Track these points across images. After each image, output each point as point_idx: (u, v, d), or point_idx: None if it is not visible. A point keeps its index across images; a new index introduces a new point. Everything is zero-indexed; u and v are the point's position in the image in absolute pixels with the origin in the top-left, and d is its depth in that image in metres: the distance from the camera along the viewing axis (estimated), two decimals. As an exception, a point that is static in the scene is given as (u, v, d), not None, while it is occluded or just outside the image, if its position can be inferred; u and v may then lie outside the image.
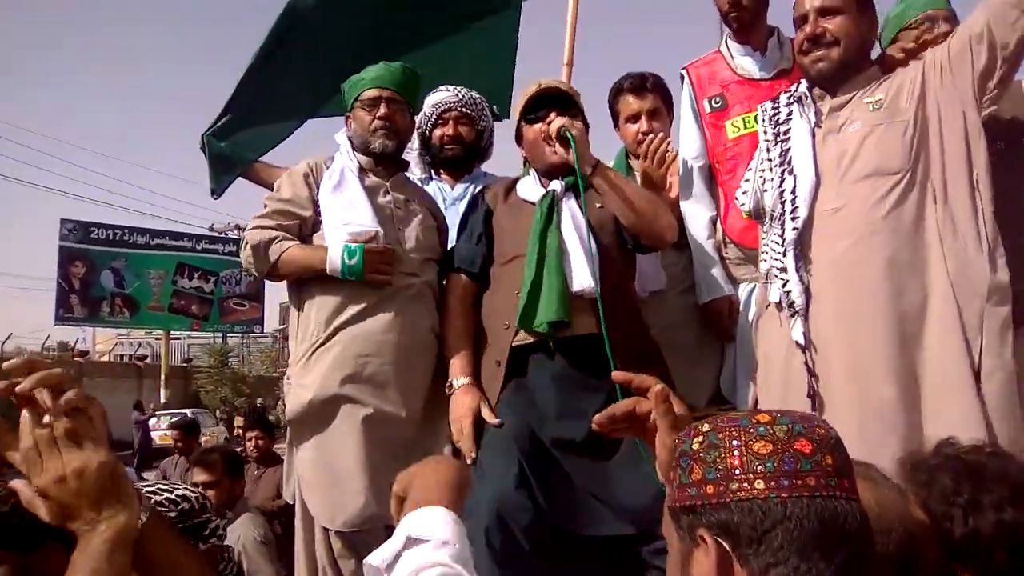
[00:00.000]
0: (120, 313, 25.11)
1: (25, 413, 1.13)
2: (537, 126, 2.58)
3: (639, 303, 2.71)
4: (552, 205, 2.52)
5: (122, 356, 33.18)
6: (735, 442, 1.00)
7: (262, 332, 30.40)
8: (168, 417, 18.47)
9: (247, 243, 2.69)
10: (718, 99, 2.99)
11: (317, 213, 2.70)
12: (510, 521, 2.21)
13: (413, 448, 2.51)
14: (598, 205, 2.56)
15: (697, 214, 3.00)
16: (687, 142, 3.05)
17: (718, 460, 1.00)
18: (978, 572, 1.47)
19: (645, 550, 2.28)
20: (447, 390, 2.53)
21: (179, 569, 1.20)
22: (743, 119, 2.93)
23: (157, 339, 29.92)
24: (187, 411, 22.13)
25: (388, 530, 2.49)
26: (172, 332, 27.68)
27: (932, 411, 2.09)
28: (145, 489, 1.74)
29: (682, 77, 3.11)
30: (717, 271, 2.97)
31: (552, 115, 2.54)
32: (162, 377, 25.85)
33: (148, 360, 29.27)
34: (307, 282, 2.68)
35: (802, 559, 0.94)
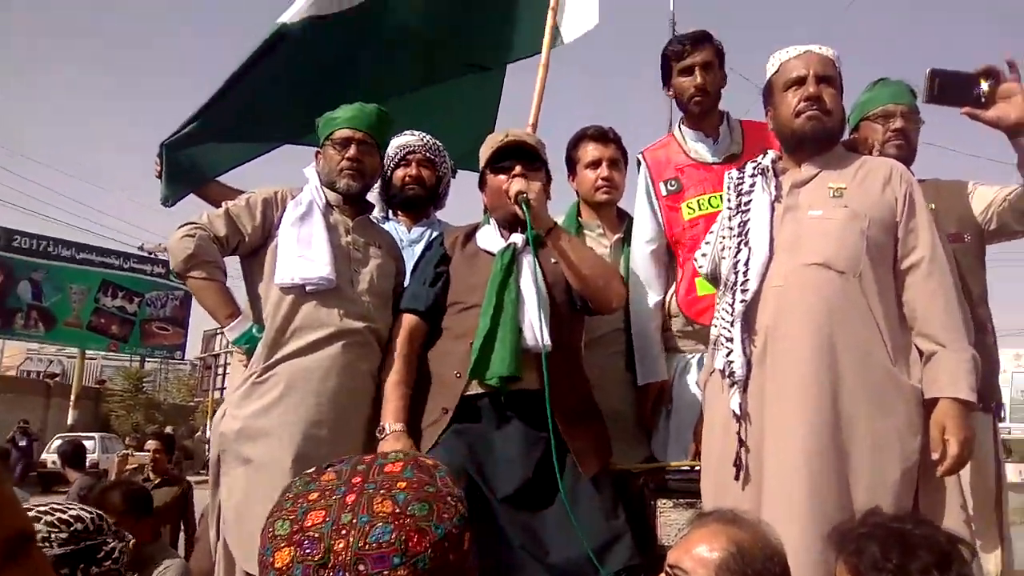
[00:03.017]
0: (35, 327, 24.12)
1: None
2: (501, 177, 2.63)
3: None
4: (512, 258, 2.56)
5: (29, 372, 31.82)
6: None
7: (182, 359, 29.54)
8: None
9: (185, 235, 2.64)
10: (673, 182, 3.08)
11: (265, 239, 2.71)
12: None
13: None
14: (553, 261, 2.62)
15: (643, 297, 3.06)
16: (641, 225, 3.12)
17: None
18: None
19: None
20: (378, 433, 2.51)
21: None
22: (698, 201, 3.04)
23: (71, 357, 28.82)
24: (95, 435, 21.31)
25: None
26: (88, 351, 26.67)
27: (852, 488, 2.14)
28: (36, 508, 1.70)
29: (638, 162, 3.20)
30: (657, 355, 3.03)
31: (516, 168, 2.60)
32: (72, 397, 24.82)
33: (59, 379, 28.11)
34: (256, 305, 2.67)
35: None
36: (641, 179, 3.16)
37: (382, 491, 0.89)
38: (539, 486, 2.42)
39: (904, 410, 2.20)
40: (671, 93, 3.17)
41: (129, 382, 28.39)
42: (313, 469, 0.98)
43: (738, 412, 2.28)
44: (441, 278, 2.67)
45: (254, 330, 2.60)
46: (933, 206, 2.76)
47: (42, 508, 1.70)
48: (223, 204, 2.74)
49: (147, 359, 29.45)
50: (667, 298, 3.09)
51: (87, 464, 15.52)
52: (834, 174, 2.40)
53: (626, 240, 3.15)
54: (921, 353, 2.25)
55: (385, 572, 0.82)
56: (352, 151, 2.76)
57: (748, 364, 2.30)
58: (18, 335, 24.93)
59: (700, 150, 3.11)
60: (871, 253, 2.27)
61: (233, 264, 2.83)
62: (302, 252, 2.63)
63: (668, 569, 1.66)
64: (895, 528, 1.66)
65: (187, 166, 3.38)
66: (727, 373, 2.33)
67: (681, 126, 3.19)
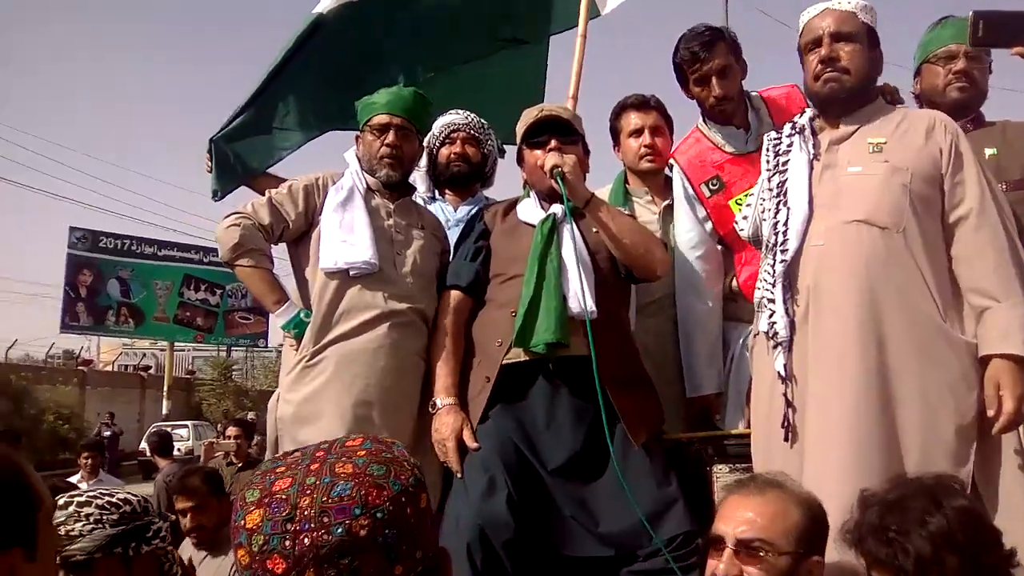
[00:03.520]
0: (125, 323, 25.18)
1: None
2: (537, 151, 2.64)
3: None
4: (553, 228, 2.57)
5: (126, 366, 33.24)
6: (236, 513, 0.94)
7: (266, 346, 30.40)
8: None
9: (232, 224, 2.70)
10: (715, 181, 2.95)
11: (309, 225, 2.76)
12: (492, 538, 2.23)
13: None
14: (594, 230, 2.61)
15: (692, 304, 2.95)
16: (684, 230, 2.99)
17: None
18: None
19: (624, 571, 2.31)
20: (430, 408, 2.56)
21: None
22: (746, 195, 2.87)
23: (161, 350, 29.94)
24: (188, 423, 22.19)
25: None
26: (176, 344, 27.71)
27: (899, 444, 2.09)
28: (87, 494, 1.82)
29: (670, 166, 3.11)
30: (703, 367, 2.92)
31: (552, 143, 2.60)
32: (165, 388, 25.86)
33: (152, 371, 29.30)
34: (304, 290, 2.72)
35: None
36: (677, 183, 3.03)
37: (343, 458, 0.96)
38: (589, 456, 2.42)
39: (958, 365, 2.13)
40: (691, 94, 3.02)
41: (217, 371, 29.37)
42: (280, 454, 1.06)
43: (783, 373, 2.25)
44: (482, 252, 2.70)
45: (302, 315, 2.66)
46: (995, 151, 2.64)
47: (92, 493, 1.81)
48: (266, 193, 2.79)
49: (232, 348, 30.43)
50: (727, 280, 3.01)
51: (183, 451, 16.22)
52: (873, 128, 2.32)
53: (674, 207, 3.09)
54: (974, 310, 2.16)
55: (347, 522, 0.88)
56: (390, 137, 2.78)
57: (791, 325, 2.26)
58: (111, 332, 26.07)
59: (734, 143, 2.97)
60: (915, 207, 2.20)
61: (281, 252, 2.89)
62: (345, 237, 2.67)
63: (741, 546, 1.64)
64: (888, 497, 1.65)
65: (235, 160, 3.45)
66: (771, 335, 2.30)
67: (706, 120, 3.04)
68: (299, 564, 0.87)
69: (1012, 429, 2.07)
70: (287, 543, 0.88)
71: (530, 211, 2.69)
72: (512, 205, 2.78)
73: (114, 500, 1.78)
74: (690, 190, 2.99)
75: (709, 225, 2.97)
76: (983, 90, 2.76)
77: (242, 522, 0.92)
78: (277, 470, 0.96)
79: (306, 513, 0.89)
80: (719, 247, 3.01)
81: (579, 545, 2.32)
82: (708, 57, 2.88)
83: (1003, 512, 2.02)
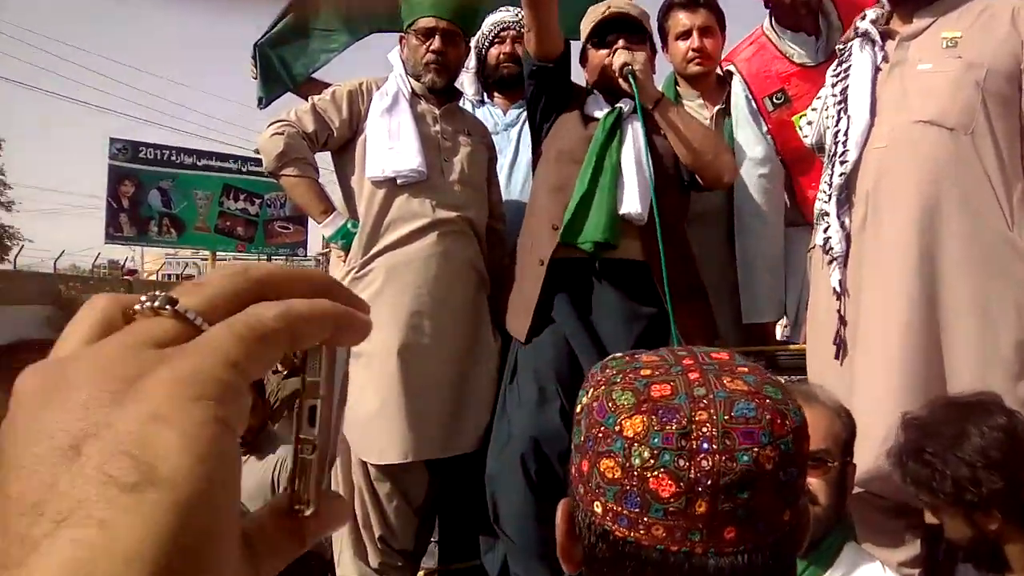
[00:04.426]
0: (168, 233, 25.46)
1: None
2: (603, 51, 2.52)
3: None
4: (616, 123, 2.46)
5: (170, 275, 33.87)
6: (590, 444, 0.78)
7: (305, 255, 30.72)
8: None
9: (275, 133, 2.63)
10: (779, 95, 2.80)
11: (353, 132, 2.68)
12: (546, 449, 2.23)
13: (454, 382, 2.52)
14: (662, 133, 2.51)
15: (756, 229, 2.82)
16: (748, 146, 2.84)
17: (583, 445, 0.79)
18: (991, 507, 1.53)
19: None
20: None
21: None
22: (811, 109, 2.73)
23: (204, 259, 30.41)
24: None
25: (424, 463, 2.55)
26: (218, 253, 28.05)
27: (951, 359, 2.01)
28: None
29: (730, 73, 2.94)
30: (765, 294, 2.83)
31: (619, 42, 2.48)
32: (209, 297, 26.38)
33: (195, 279, 29.84)
34: (350, 200, 2.67)
35: None
36: (739, 93, 2.86)
37: (726, 372, 0.78)
38: None
39: None
40: None
41: (259, 280, 29.84)
42: (615, 356, 0.86)
43: (838, 289, 2.17)
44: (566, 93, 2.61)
45: (349, 225, 2.61)
46: None
47: None
48: (309, 99, 2.72)
49: (273, 257, 30.80)
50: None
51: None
52: (950, 22, 2.15)
53: (727, 111, 2.95)
54: None
55: (755, 450, 0.73)
56: (436, 43, 2.66)
57: (847, 238, 2.16)
58: (154, 242, 26.38)
59: (803, 52, 2.78)
60: (990, 107, 2.05)
61: (325, 161, 2.83)
62: (391, 144, 2.60)
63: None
64: (922, 421, 1.63)
65: (280, 66, 3.36)
66: (826, 249, 2.20)
67: (774, 25, 2.84)
68: (692, 489, 0.72)
69: None
70: (681, 462, 0.72)
71: (595, 106, 2.57)
72: (586, 93, 2.64)
73: None
74: (753, 103, 2.83)
75: (771, 141, 2.83)
76: None
77: (617, 427, 0.75)
78: (642, 372, 0.79)
79: (706, 431, 0.73)
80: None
81: None
82: None
83: None
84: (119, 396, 0.27)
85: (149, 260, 35.24)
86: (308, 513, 0.35)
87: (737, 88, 2.89)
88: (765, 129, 2.83)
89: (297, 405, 0.35)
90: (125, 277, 26.74)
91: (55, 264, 24.02)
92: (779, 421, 0.74)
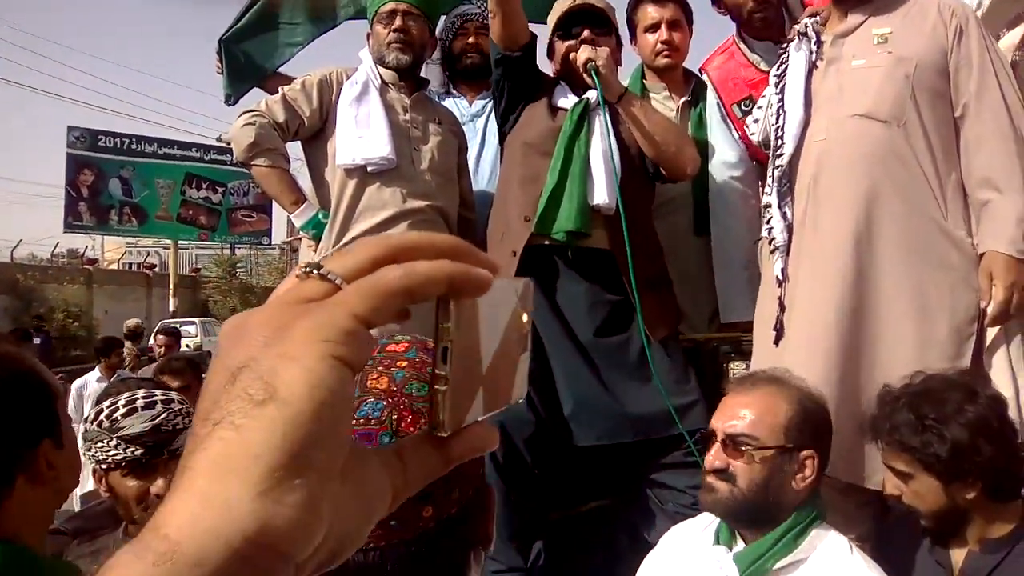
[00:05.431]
0: (129, 222, 25.05)
1: None
2: (569, 43, 2.56)
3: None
4: (583, 114, 2.51)
5: (130, 264, 33.36)
6: None
7: (270, 244, 30.43)
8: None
9: (247, 123, 2.66)
10: (748, 102, 2.82)
11: (324, 122, 2.70)
12: (513, 434, 2.28)
13: None
14: (627, 125, 2.56)
15: (730, 231, 2.84)
16: (720, 148, 2.88)
17: None
18: (976, 477, 1.57)
19: (649, 462, 2.37)
20: None
21: None
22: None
23: (165, 248, 29.97)
24: (196, 320, 22.43)
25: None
26: (180, 242, 27.68)
27: (883, 342, 2.07)
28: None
29: (701, 72, 3.00)
30: (739, 293, 2.83)
31: (585, 33, 2.53)
32: (171, 286, 26.02)
33: (157, 269, 29.42)
34: (320, 190, 2.69)
35: None
36: (711, 98, 2.92)
37: (380, 367, 0.79)
38: (602, 351, 2.44)
39: (960, 265, 2.08)
40: (722, 11, 2.90)
41: (222, 269, 29.53)
42: None
43: (780, 277, 2.24)
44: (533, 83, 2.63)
45: (320, 215, 2.64)
46: None
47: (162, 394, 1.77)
48: (279, 90, 2.73)
49: (236, 246, 30.45)
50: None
51: (191, 347, 16.41)
52: (881, 19, 2.22)
53: (693, 103, 3.01)
54: (978, 203, 2.11)
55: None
56: (397, 22, 2.70)
57: (789, 228, 2.24)
58: (114, 231, 25.95)
59: (770, 60, 2.79)
60: (919, 100, 2.12)
61: (296, 151, 2.85)
62: (361, 132, 2.63)
63: (728, 440, 1.66)
64: (913, 389, 1.68)
65: (246, 60, 3.35)
66: (769, 239, 2.28)
67: (744, 35, 2.90)
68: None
69: (1003, 320, 2.04)
70: None
71: (563, 98, 2.61)
72: (554, 83, 2.68)
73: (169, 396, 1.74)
74: (722, 108, 2.89)
75: (743, 146, 2.88)
76: None
77: None
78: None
79: None
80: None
81: (597, 433, 2.36)
82: None
83: None
84: (270, 339, 0.37)
85: (110, 249, 34.65)
86: (444, 435, 0.41)
87: (710, 96, 2.95)
88: (738, 135, 2.88)
89: (433, 346, 0.42)
90: (85, 266, 26.30)
91: (12, 253, 23.54)
92: (408, 420, 0.74)
